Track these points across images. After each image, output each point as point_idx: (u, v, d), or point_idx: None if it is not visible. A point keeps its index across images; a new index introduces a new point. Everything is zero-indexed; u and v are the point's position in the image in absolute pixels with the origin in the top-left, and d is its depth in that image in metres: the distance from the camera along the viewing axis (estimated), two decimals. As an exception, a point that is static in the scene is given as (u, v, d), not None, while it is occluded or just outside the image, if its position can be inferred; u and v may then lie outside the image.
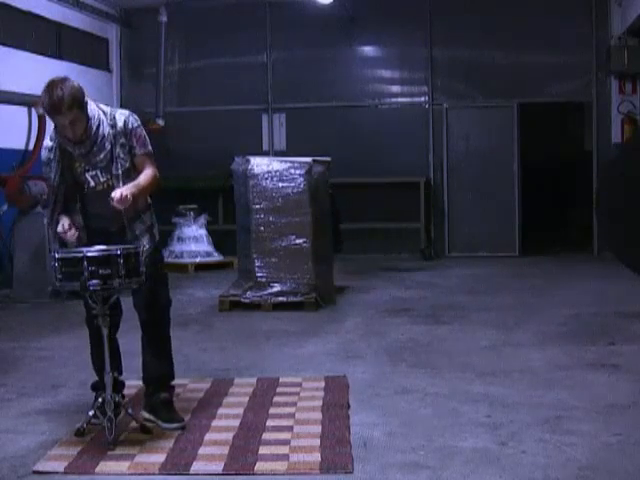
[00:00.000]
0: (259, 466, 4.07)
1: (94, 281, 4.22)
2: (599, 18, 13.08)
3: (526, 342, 6.87)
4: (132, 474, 4.03)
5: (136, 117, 4.64)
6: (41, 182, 10.12)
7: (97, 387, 4.77)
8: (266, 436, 4.51)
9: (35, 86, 11.20)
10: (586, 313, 8.08)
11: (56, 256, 4.34)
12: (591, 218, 12.62)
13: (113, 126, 4.51)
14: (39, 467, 4.11)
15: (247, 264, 8.91)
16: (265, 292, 8.66)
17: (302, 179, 8.71)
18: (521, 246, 13.46)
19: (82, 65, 13.01)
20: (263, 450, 4.28)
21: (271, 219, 8.71)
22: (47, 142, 4.62)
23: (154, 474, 4.03)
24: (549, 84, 13.36)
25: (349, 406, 5.03)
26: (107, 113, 4.54)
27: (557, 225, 14.68)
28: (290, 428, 4.64)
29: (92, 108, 4.46)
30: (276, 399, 5.24)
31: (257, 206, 8.74)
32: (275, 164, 8.87)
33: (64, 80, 4.36)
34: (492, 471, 3.94)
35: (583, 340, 6.88)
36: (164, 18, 13.30)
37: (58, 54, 12.44)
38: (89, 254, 4.27)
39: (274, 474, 4.00)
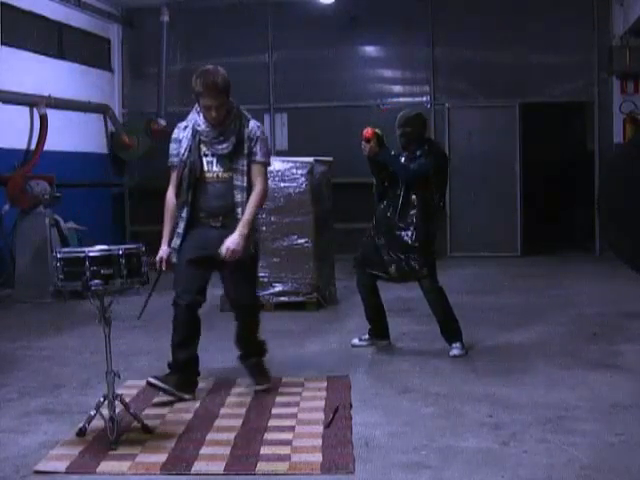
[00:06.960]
0: (260, 466, 4.07)
1: (96, 281, 4.23)
2: (601, 18, 13.07)
3: (528, 342, 6.87)
4: (133, 474, 4.03)
5: (264, 131, 5.25)
6: (43, 182, 10.13)
7: (172, 366, 5.17)
8: (268, 436, 4.51)
9: (37, 86, 11.40)
10: (588, 313, 8.07)
11: (58, 256, 4.35)
12: (593, 218, 12.60)
13: (244, 127, 5.08)
14: (41, 467, 4.11)
15: (249, 264, 8.90)
16: (267, 292, 8.64)
17: (304, 179, 8.71)
18: (523, 246, 13.44)
19: (84, 65, 13.02)
20: (264, 450, 4.28)
21: (273, 219, 8.69)
22: (181, 124, 5.29)
23: (155, 474, 4.03)
24: (551, 84, 13.35)
25: (351, 406, 5.03)
26: (245, 116, 5.15)
27: (559, 225, 14.66)
28: (292, 428, 4.64)
29: (233, 105, 5.09)
30: (278, 399, 5.24)
31: (259, 206, 8.73)
32: (277, 164, 8.85)
33: (217, 68, 5.02)
34: (494, 471, 3.94)
35: (585, 340, 6.88)
36: (166, 18, 13.30)
37: (60, 54, 12.44)
38: (91, 254, 4.28)
39: (275, 474, 4.00)
